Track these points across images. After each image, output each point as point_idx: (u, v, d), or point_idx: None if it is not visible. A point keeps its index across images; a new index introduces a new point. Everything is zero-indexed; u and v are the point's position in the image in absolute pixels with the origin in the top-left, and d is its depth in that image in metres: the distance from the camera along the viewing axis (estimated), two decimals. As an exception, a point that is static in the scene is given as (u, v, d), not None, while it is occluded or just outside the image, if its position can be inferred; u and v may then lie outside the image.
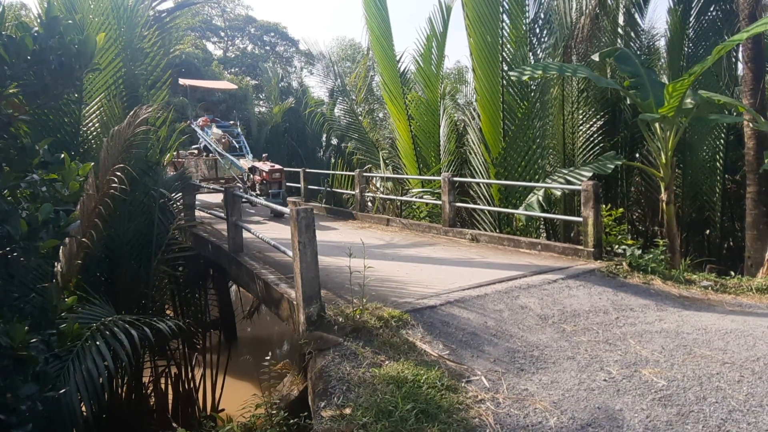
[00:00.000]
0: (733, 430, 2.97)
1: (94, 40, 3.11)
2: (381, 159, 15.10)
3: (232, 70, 32.81)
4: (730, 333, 4.45)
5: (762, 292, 5.99)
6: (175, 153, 12.74)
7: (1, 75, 2.99)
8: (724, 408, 3.20)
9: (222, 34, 38.44)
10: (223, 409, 7.23)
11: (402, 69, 13.06)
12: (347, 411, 3.30)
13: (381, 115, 23.80)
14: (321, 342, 4.21)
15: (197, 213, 10.25)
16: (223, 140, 12.50)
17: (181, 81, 15.36)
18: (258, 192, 10.91)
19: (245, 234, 7.50)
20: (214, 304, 10.50)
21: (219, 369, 7.97)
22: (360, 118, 18.41)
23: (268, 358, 4.98)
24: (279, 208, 6.32)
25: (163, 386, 7.48)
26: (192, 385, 7.85)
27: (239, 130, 13.37)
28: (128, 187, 6.30)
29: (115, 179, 5.99)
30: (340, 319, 4.47)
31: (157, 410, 7.40)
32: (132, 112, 6.48)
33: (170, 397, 7.57)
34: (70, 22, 3.12)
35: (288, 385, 4.69)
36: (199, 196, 13.05)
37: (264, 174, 10.74)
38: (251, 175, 11.18)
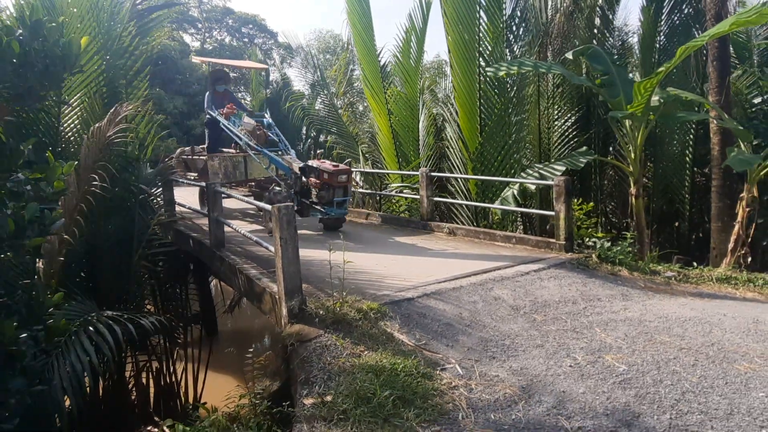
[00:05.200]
0: (685, 409, 3.22)
1: (78, 43, 3.19)
2: (360, 153, 15.19)
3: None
4: (689, 320, 4.73)
5: (721, 281, 6.33)
6: (188, 148, 12.17)
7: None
8: (678, 390, 3.45)
9: (199, 25, 37.95)
10: (205, 403, 7.31)
11: (383, 63, 13.17)
12: (328, 398, 3.47)
13: (361, 108, 23.82)
14: (302, 334, 4.36)
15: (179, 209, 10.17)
16: (258, 132, 9.83)
17: (196, 58, 14.13)
18: (314, 199, 8.61)
19: (226, 228, 7.57)
20: (194, 299, 10.46)
21: (200, 363, 8.05)
22: (340, 111, 18.41)
23: (251, 350, 5.11)
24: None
25: (144, 381, 7.54)
26: (174, 379, 7.90)
27: (270, 119, 10.55)
28: (109, 184, 6.32)
29: (96, 176, 6.02)
30: (321, 312, 4.62)
31: (139, 404, 7.46)
32: (113, 110, 6.50)
33: (152, 391, 7.63)
34: (53, 24, 3.18)
35: (271, 376, 4.83)
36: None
37: (326, 176, 8.31)
38: (301, 178, 8.85)
